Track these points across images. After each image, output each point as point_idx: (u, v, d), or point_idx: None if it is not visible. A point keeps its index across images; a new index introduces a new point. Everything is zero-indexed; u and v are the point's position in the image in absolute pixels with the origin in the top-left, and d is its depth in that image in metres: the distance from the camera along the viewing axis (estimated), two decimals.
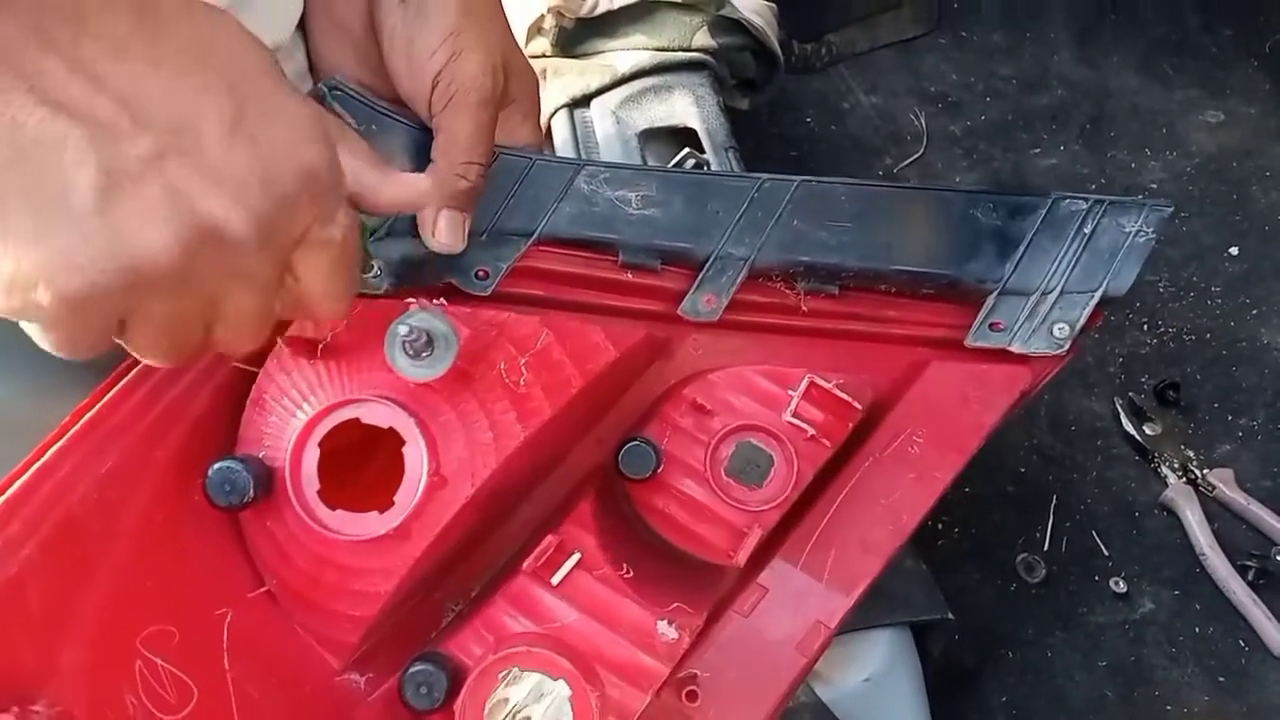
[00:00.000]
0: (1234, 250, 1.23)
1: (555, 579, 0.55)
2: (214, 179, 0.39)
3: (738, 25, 1.05)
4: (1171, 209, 0.64)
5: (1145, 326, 1.18)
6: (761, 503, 0.62)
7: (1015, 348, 0.63)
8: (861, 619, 0.65)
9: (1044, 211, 0.64)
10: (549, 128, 1.02)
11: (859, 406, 0.63)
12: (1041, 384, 0.65)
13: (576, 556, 0.56)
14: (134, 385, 0.53)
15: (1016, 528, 1.04)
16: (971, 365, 0.64)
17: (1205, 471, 1.06)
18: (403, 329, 0.49)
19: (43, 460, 0.50)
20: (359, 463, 0.54)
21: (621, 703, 0.54)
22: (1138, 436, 1.09)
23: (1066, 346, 0.62)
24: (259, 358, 0.53)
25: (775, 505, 0.61)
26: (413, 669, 0.52)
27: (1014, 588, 1.01)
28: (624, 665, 0.54)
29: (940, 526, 1.03)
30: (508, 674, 0.52)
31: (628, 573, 0.57)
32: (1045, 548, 1.03)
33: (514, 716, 0.51)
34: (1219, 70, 1.38)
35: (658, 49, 1.02)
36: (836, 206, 0.64)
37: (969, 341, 0.64)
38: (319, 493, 0.51)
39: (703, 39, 1.03)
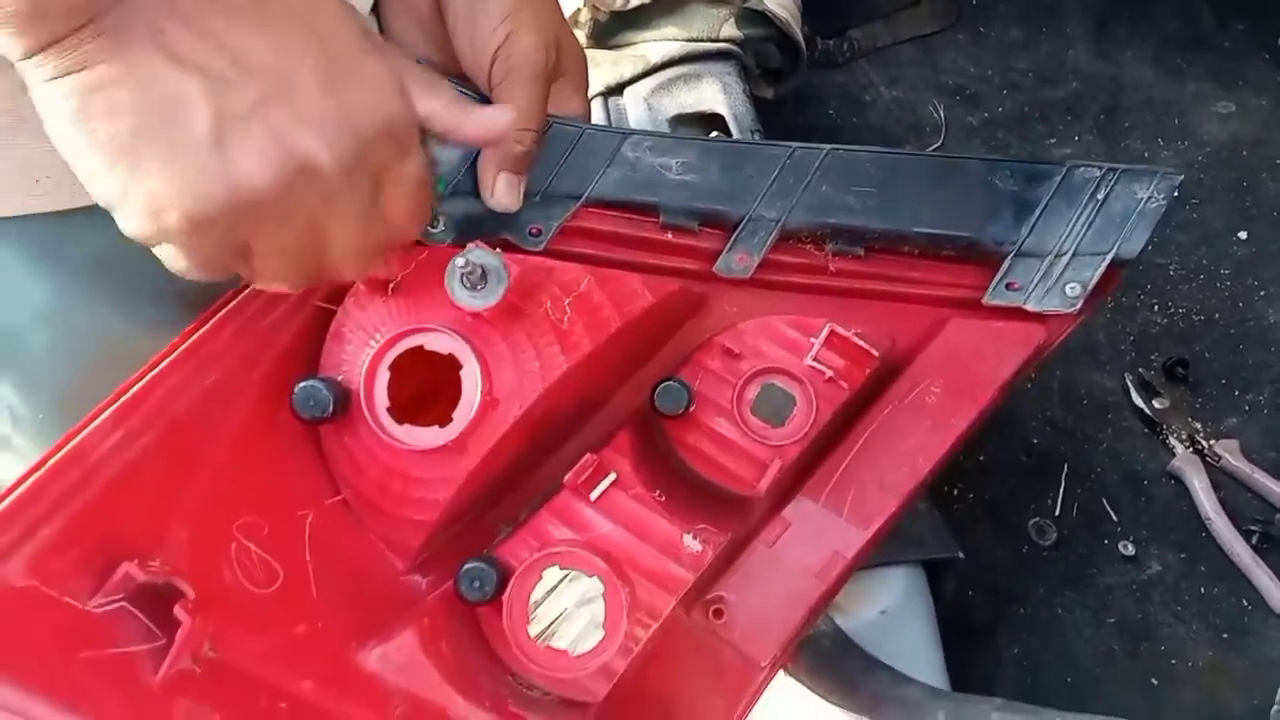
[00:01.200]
0: (1243, 235, 1.27)
1: (594, 495, 0.62)
2: (307, 123, 0.47)
3: (763, 17, 1.10)
4: (1181, 177, 0.68)
5: (1155, 307, 1.22)
6: (783, 438, 0.67)
7: (1030, 306, 0.67)
8: (877, 556, 0.70)
9: (1059, 178, 0.69)
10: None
11: (875, 354, 0.68)
12: (1057, 342, 0.69)
13: (613, 476, 0.62)
14: (231, 316, 0.60)
15: (1029, 494, 1.09)
16: (988, 322, 0.69)
17: (1211, 442, 1.10)
18: (460, 261, 0.57)
19: (157, 369, 0.57)
20: (426, 391, 0.60)
21: (650, 603, 0.60)
22: (1147, 410, 1.13)
23: (1079, 305, 0.67)
24: (337, 296, 0.61)
25: (795, 441, 0.67)
26: (467, 566, 0.59)
27: (1026, 550, 1.06)
28: (653, 571, 0.61)
29: (955, 491, 1.08)
30: (550, 571, 0.59)
31: (660, 496, 0.63)
32: (1057, 513, 1.07)
33: (555, 609, 0.58)
34: (1231, 63, 1.42)
35: (687, 40, 1.08)
36: (863, 173, 0.69)
37: (986, 300, 0.68)
38: (389, 409, 0.59)
39: (730, 30, 1.09)
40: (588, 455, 0.62)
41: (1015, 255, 0.68)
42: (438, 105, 0.55)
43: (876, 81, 1.42)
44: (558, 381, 0.60)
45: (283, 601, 0.57)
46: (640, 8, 1.08)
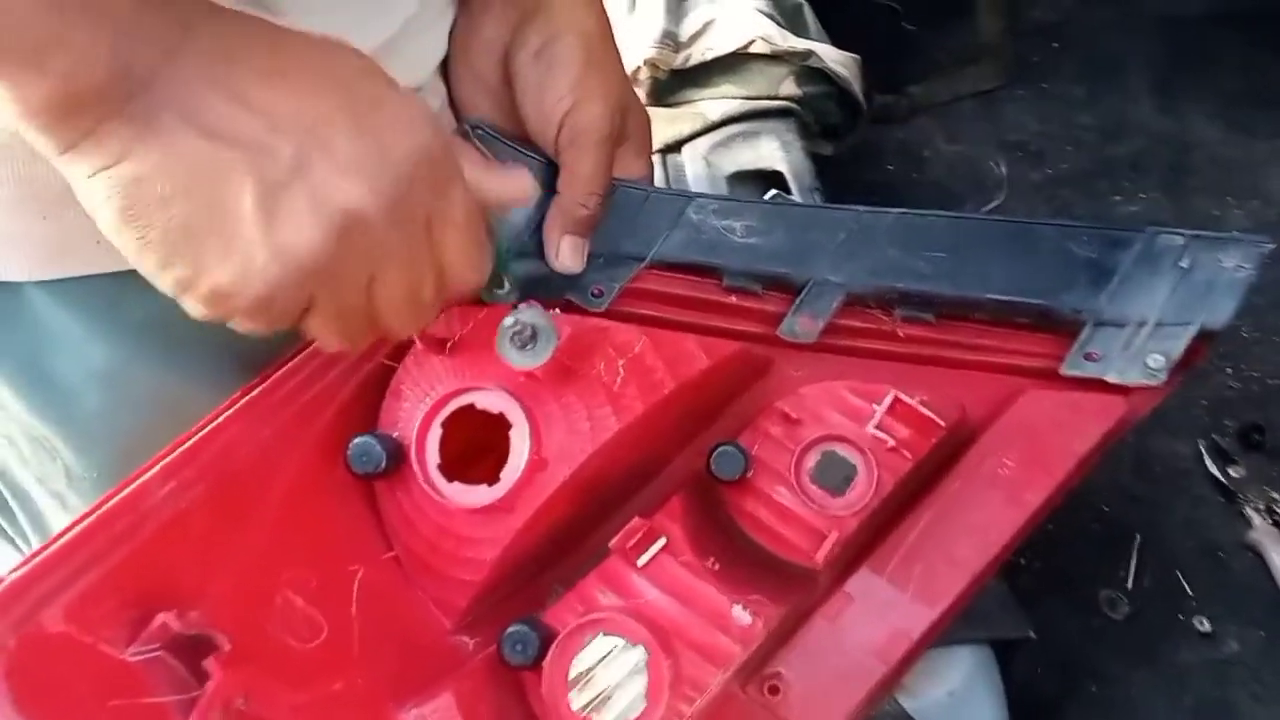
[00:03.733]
0: None
1: (641, 560, 0.60)
2: (346, 171, 0.46)
3: (822, 75, 1.09)
4: (1271, 245, 0.66)
5: (1229, 370, 1.19)
6: (843, 509, 0.64)
7: (1111, 377, 0.64)
8: (945, 634, 0.67)
9: (1139, 245, 0.66)
10: None
11: (942, 423, 0.65)
12: (1141, 415, 0.66)
13: (662, 541, 0.60)
14: (290, 373, 0.61)
15: (1100, 564, 1.05)
16: (1066, 393, 0.66)
17: None
18: (509, 321, 0.56)
19: (215, 422, 0.57)
20: (480, 452, 0.60)
21: (696, 676, 0.58)
22: (1222, 478, 1.09)
23: (1164, 377, 0.64)
24: (400, 354, 0.61)
25: (855, 512, 0.64)
26: (511, 629, 0.58)
27: (1096, 623, 1.02)
28: (700, 642, 0.58)
29: (1023, 560, 1.04)
30: (593, 638, 0.57)
31: (714, 565, 0.61)
32: (1129, 585, 1.04)
33: (596, 677, 0.57)
34: None
35: (746, 98, 1.07)
36: (932, 237, 0.67)
37: (1064, 370, 0.65)
38: (439, 466, 0.58)
39: (789, 88, 1.08)
40: (636, 519, 0.60)
41: (1095, 324, 0.66)
42: (464, 160, 0.53)
43: (936, 137, 1.40)
44: (608, 443, 0.59)
45: (323, 657, 0.56)
46: (700, 66, 1.08)
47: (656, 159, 1.06)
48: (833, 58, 1.09)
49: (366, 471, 0.59)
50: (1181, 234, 0.66)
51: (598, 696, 0.57)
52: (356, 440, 0.59)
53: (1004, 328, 0.68)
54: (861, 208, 0.68)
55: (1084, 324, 0.66)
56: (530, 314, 0.57)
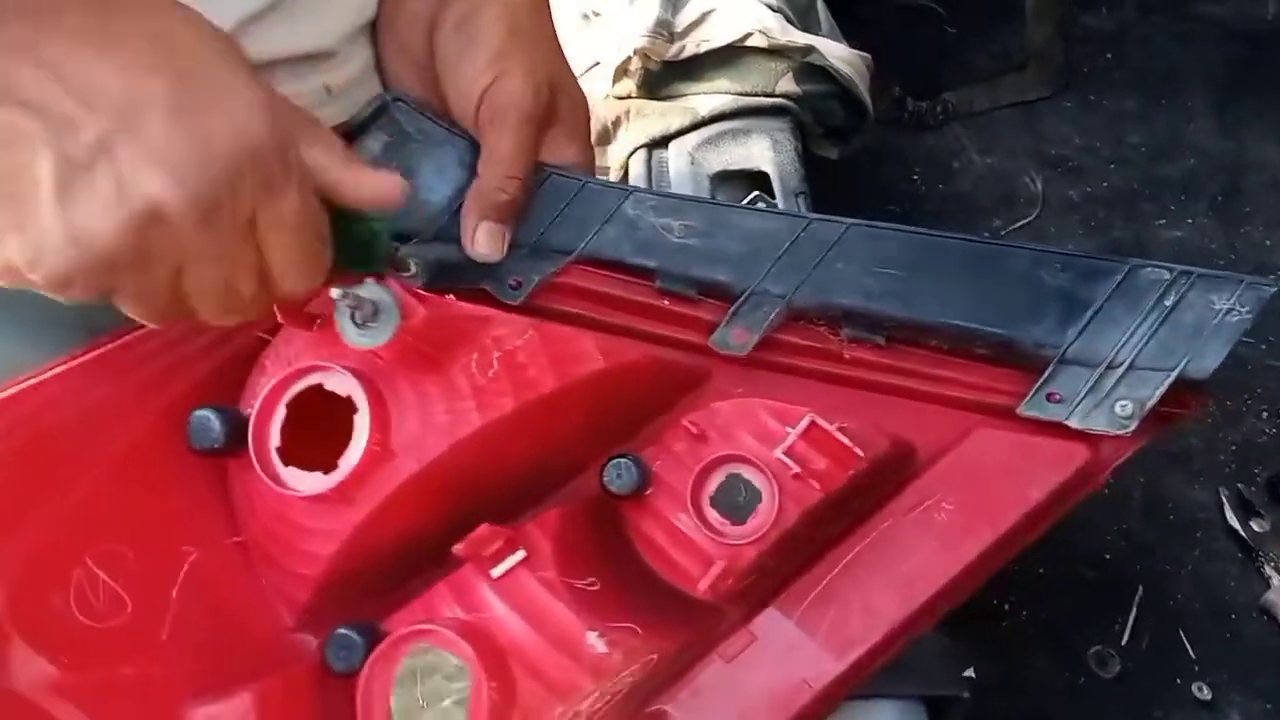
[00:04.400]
0: None
1: (495, 571, 0.55)
2: (155, 160, 0.42)
3: (825, 73, 1.02)
4: (1273, 289, 0.59)
5: (1264, 414, 1.09)
6: (739, 537, 0.59)
7: (1073, 423, 0.59)
8: (869, 686, 0.61)
9: (1119, 278, 0.60)
10: (626, 166, 1.01)
11: (860, 454, 0.59)
12: (1111, 470, 0.60)
13: (521, 554, 0.55)
14: (147, 337, 0.58)
15: (1093, 617, 0.96)
16: (1021, 436, 0.60)
17: None
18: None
19: (41, 377, 0.55)
20: (333, 438, 0.56)
21: (532, 706, 0.53)
22: (1242, 531, 1.00)
23: (1132, 428, 0.57)
24: (276, 327, 0.58)
25: (751, 542, 0.58)
26: (337, 632, 0.54)
27: (1083, 681, 0.94)
28: (542, 669, 0.53)
29: (1007, 606, 0.96)
30: (417, 651, 0.53)
31: (592, 585, 0.56)
32: (1123, 641, 0.95)
33: (416, 695, 0.53)
34: None
35: (740, 93, 1.01)
36: (887, 253, 0.62)
37: (1021, 410, 0.60)
38: (278, 449, 0.54)
39: (787, 85, 1.01)
40: (485, 526, 0.54)
41: (1059, 362, 0.60)
42: (324, 158, 0.48)
43: (969, 146, 1.32)
44: (468, 440, 0.55)
45: (116, 639, 0.53)
46: (693, 58, 1.02)
47: (640, 155, 1.01)
48: (837, 54, 1.02)
49: (204, 447, 0.55)
50: (1169, 268, 0.60)
51: (414, 715, 0.53)
52: (196, 413, 0.55)
53: (960, 358, 0.62)
54: (813, 215, 0.63)
55: (1048, 361, 0.60)
56: (369, 289, 0.52)
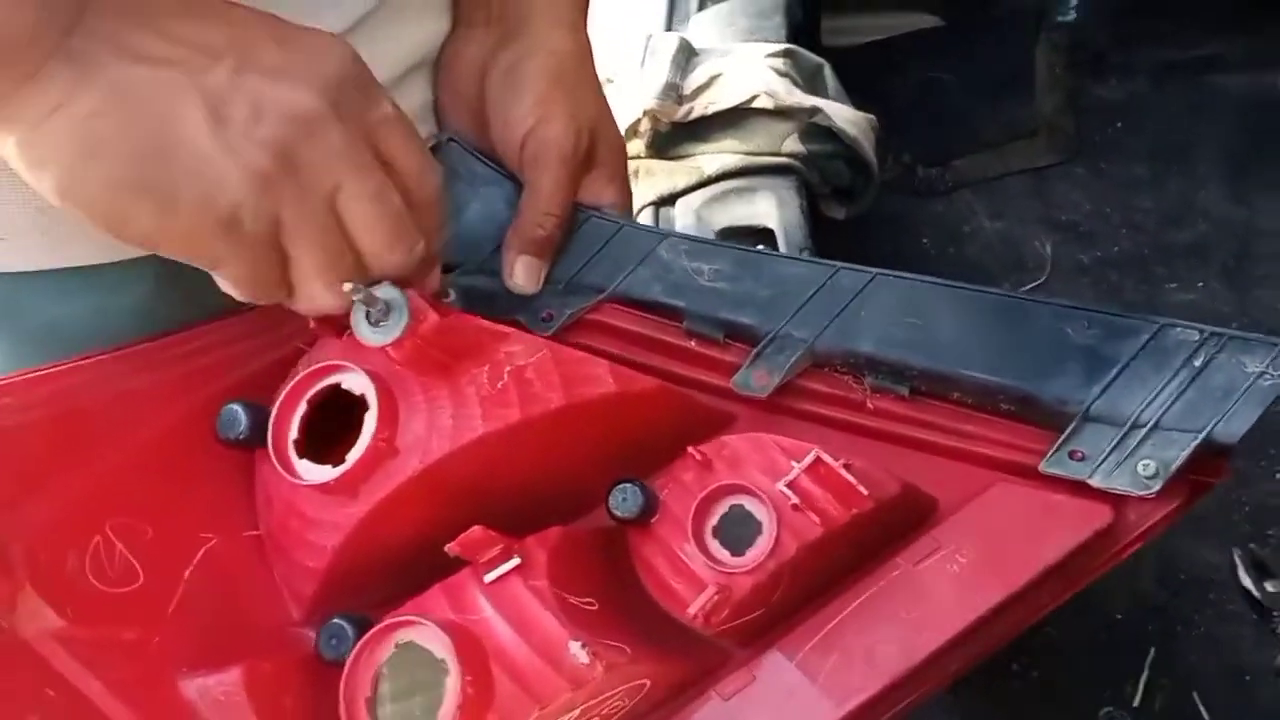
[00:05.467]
0: None
1: (488, 577, 0.56)
2: (281, 76, 0.47)
3: (830, 134, 1.04)
4: None
5: (1279, 476, 1.08)
6: (736, 567, 0.59)
7: (1095, 481, 0.57)
8: None
9: (1147, 337, 0.59)
10: None
11: (865, 494, 0.59)
12: (1139, 534, 0.59)
13: (515, 561, 0.56)
14: (197, 335, 0.61)
15: (1105, 678, 0.95)
16: (1041, 492, 0.59)
17: None
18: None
19: (82, 362, 0.58)
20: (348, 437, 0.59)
21: (509, 708, 0.53)
22: (1255, 593, 0.99)
23: (1156, 488, 0.56)
24: (314, 339, 0.61)
25: (747, 572, 0.58)
26: (331, 621, 0.56)
27: None
28: (523, 672, 0.54)
29: (1016, 667, 0.95)
30: (400, 641, 0.54)
31: (589, 604, 0.56)
32: (1136, 703, 0.94)
33: (396, 684, 0.54)
34: None
35: (746, 153, 1.03)
36: (912, 303, 0.63)
37: (1043, 467, 0.59)
38: (296, 442, 0.56)
39: (792, 145, 1.04)
40: (479, 528, 0.55)
41: (1083, 419, 0.58)
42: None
43: (979, 212, 1.34)
44: (472, 445, 0.56)
45: (124, 605, 0.54)
46: (701, 119, 1.04)
47: (648, 212, 1.03)
48: (842, 115, 1.04)
49: (229, 438, 0.57)
50: (1199, 329, 0.59)
51: (394, 705, 0.54)
52: (226, 406, 0.57)
53: (984, 413, 0.62)
54: (840, 264, 0.64)
55: (1072, 417, 0.59)
56: (384, 290, 0.55)
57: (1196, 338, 0.58)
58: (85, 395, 0.57)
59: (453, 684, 0.53)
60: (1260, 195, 1.32)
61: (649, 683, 0.56)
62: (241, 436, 0.57)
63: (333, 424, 0.57)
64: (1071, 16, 1.43)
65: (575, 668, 0.53)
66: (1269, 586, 0.98)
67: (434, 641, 0.54)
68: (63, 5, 0.44)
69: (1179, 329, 0.58)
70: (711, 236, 0.98)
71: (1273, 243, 1.27)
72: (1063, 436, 0.58)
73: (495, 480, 0.58)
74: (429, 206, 0.55)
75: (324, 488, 0.56)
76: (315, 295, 0.52)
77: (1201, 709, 0.93)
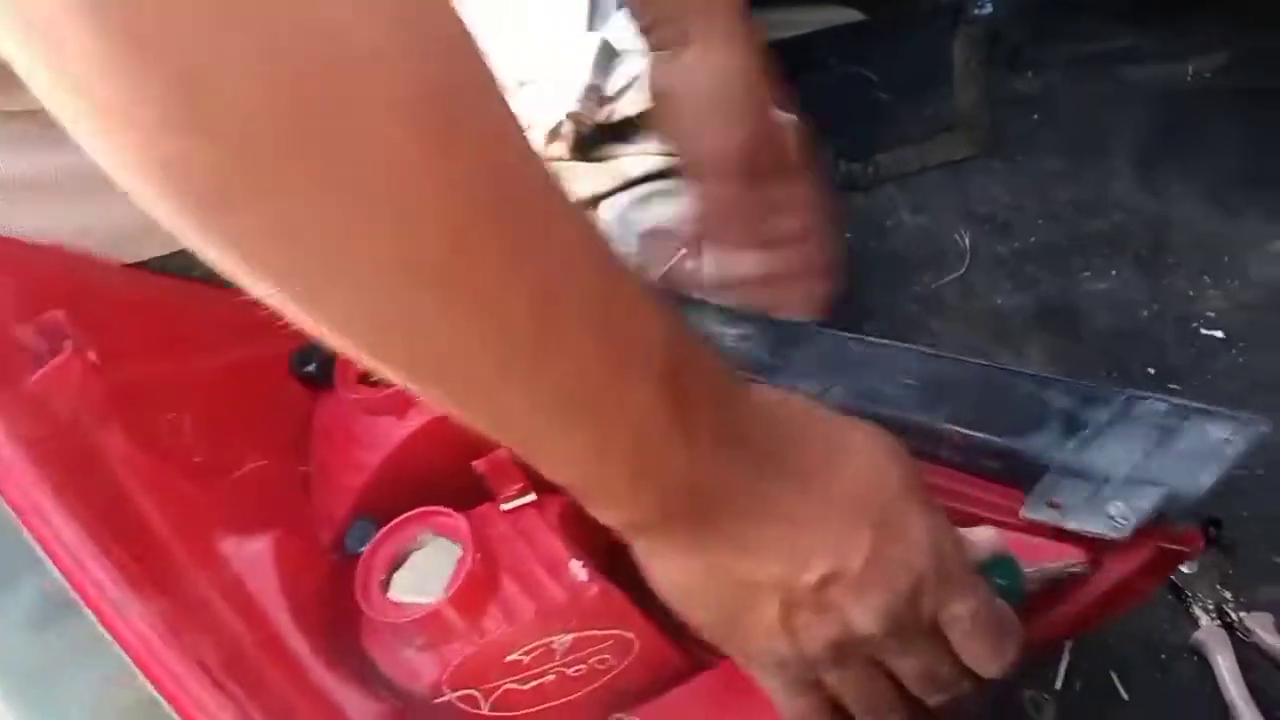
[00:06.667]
0: None
1: (505, 506, 0.61)
2: (854, 599, 0.50)
3: None
4: (1266, 429, 0.63)
5: None
6: None
7: (1069, 524, 0.62)
8: None
9: (1118, 406, 0.65)
10: None
11: None
12: (1116, 584, 0.63)
13: (531, 497, 0.61)
14: None
15: (1027, 664, 0.96)
16: (1019, 534, 0.63)
17: (1242, 615, 0.98)
18: None
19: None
20: None
21: (511, 604, 0.58)
22: (1171, 575, 1.01)
23: (1128, 530, 0.61)
24: None
25: None
26: (357, 520, 0.61)
27: None
28: (527, 576, 0.59)
29: None
30: (420, 532, 0.60)
31: (590, 563, 0.60)
32: (1058, 686, 0.96)
33: (411, 564, 0.59)
34: None
35: (669, 154, 1.04)
36: (899, 367, 0.68)
37: (1024, 513, 0.63)
38: (357, 373, 0.64)
39: None
40: (507, 450, 0.60)
41: (1060, 472, 0.64)
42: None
43: (901, 206, 1.36)
44: None
45: (182, 458, 0.60)
46: (624, 121, 1.05)
47: None
48: None
49: (298, 371, 0.66)
50: (1166, 401, 0.64)
51: (407, 580, 0.59)
52: (303, 347, 0.65)
53: (969, 473, 0.66)
54: (845, 334, 0.70)
55: (1049, 470, 0.64)
56: None
57: (1163, 408, 0.64)
58: (193, 307, 0.63)
59: (461, 563, 0.57)
60: (1172, 184, 1.36)
61: (638, 643, 0.60)
62: (311, 370, 0.65)
63: None
64: (988, 10, 1.45)
65: (574, 583, 0.59)
66: (1183, 567, 1.01)
67: (451, 532, 0.59)
68: (711, 501, 0.48)
69: (1149, 400, 0.64)
70: (635, 237, 0.99)
71: (1184, 231, 1.31)
72: (1041, 485, 0.63)
73: None
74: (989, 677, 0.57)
75: (378, 404, 0.62)
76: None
77: (1120, 688, 0.95)
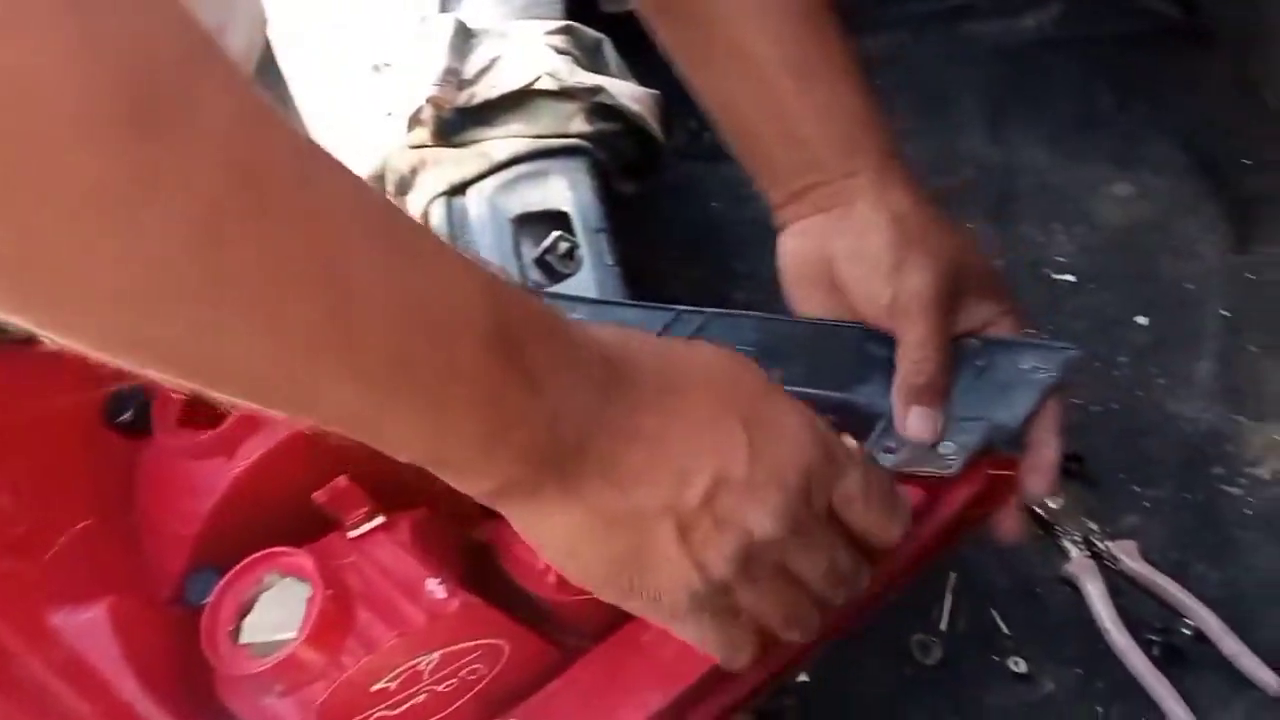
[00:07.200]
0: (1142, 320, 1.22)
1: (352, 533, 0.59)
2: (744, 499, 0.49)
3: (615, 111, 1.06)
4: (1076, 353, 0.68)
5: None
6: None
7: (905, 468, 0.65)
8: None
9: None
10: (427, 214, 1.02)
11: None
12: (953, 515, 0.66)
13: (380, 519, 0.59)
14: None
15: (911, 607, 1.01)
16: None
17: (1108, 544, 1.03)
18: None
19: None
20: None
21: (369, 634, 0.56)
22: (1038, 510, 1.06)
23: (956, 467, 0.64)
24: None
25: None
26: (198, 570, 0.59)
27: (908, 671, 0.99)
28: (382, 603, 0.57)
29: None
30: (265, 574, 0.57)
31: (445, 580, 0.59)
32: (943, 627, 1.00)
33: (260, 609, 0.57)
34: (1131, 145, 1.39)
35: (534, 136, 1.03)
36: (743, 336, 0.70)
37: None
38: (178, 418, 0.60)
39: (579, 125, 1.05)
40: (345, 478, 0.59)
41: (890, 419, 0.66)
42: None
43: None
44: None
45: (9, 524, 0.58)
46: (485, 104, 1.04)
47: (440, 202, 1.02)
48: (625, 93, 1.06)
49: (115, 421, 0.62)
50: (977, 338, 0.68)
51: (257, 627, 0.57)
52: (114, 391, 0.62)
53: None
54: (679, 307, 0.71)
55: (880, 418, 0.66)
56: None
57: (977, 344, 0.68)
58: None
59: (311, 603, 0.55)
60: (1016, 135, 1.41)
61: (508, 647, 0.59)
62: (127, 419, 0.61)
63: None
64: None
65: (432, 601, 0.57)
66: (1050, 502, 1.06)
67: (297, 571, 0.57)
68: (570, 439, 0.46)
69: (960, 339, 0.68)
70: (506, 223, 0.99)
71: (1029, 179, 1.37)
72: (874, 434, 0.66)
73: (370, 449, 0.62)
74: (886, 551, 0.57)
75: (202, 448, 0.59)
76: (792, 638, 0.56)
77: (1001, 624, 1.00)
